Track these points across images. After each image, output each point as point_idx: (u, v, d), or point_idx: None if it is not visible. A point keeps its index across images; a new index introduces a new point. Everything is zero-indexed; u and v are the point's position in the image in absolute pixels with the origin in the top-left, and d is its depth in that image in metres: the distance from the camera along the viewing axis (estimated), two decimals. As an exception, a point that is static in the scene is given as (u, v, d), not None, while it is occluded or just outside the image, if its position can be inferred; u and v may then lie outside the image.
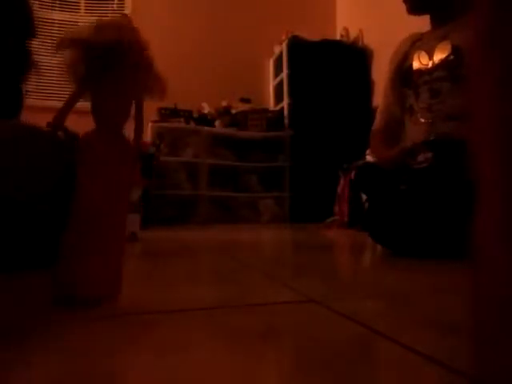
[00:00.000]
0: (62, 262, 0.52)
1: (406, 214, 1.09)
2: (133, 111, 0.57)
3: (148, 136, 3.12)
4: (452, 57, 1.23)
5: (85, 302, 0.50)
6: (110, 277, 0.54)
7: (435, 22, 1.35)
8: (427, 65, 1.29)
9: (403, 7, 1.36)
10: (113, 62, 0.52)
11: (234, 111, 3.57)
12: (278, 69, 3.78)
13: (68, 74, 0.53)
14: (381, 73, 3.14)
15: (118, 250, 0.56)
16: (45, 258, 0.71)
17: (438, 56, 1.27)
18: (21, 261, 0.77)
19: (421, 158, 1.16)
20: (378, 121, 1.47)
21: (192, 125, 3.35)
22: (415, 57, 1.34)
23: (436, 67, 1.27)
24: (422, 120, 1.28)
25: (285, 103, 3.55)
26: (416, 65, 1.33)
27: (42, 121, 0.95)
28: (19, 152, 0.78)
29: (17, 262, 0.77)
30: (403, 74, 1.38)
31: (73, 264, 0.52)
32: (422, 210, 1.07)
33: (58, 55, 0.52)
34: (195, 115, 3.46)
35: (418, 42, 1.38)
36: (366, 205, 1.43)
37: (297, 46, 3.54)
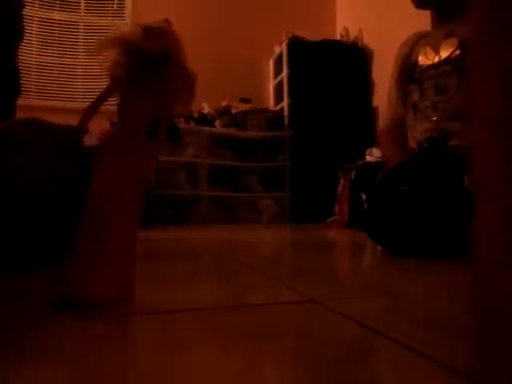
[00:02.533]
0: (69, 261, 0.51)
1: (406, 214, 1.08)
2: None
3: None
4: (459, 51, 1.22)
5: (90, 305, 0.49)
6: (118, 278, 0.52)
7: (440, 19, 1.33)
8: (433, 59, 1.28)
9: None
10: (157, 70, 0.53)
11: (234, 111, 3.57)
12: (278, 69, 3.77)
13: (107, 73, 0.53)
14: (381, 73, 3.14)
15: (127, 251, 0.54)
16: (55, 257, 0.70)
17: (445, 51, 1.26)
18: (30, 259, 0.76)
19: None
20: (384, 119, 1.48)
21: (192, 125, 3.35)
22: (421, 52, 1.33)
23: (442, 61, 1.25)
24: (426, 118, 1.27)
25: (285, 103, 3.54)
26: (422, 59, 1.32)
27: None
28: (27, 149, 0.78)
29: (26, 260, 0.76)
30: (408, 70, 1.36)
31: (79, 264, 0.50)
32: (422, 210, 1.07)
33: (99, 55, 0.52)
34: (195, 115, 3.45)
35: (423, 39, 1.37)
36: (366, 205, 1.43)
37: (297, 46, 3.54)
